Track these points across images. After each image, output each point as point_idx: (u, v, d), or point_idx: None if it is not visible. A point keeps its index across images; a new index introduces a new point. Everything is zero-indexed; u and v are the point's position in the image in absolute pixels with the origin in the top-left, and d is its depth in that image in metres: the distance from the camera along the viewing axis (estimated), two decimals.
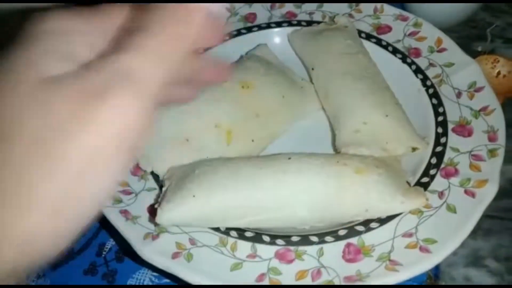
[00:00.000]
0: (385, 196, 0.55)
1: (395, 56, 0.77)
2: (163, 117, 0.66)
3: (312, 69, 0.75)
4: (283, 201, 0.54)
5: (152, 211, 0.57)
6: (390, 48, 0.78)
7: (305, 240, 0.56)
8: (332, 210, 0.55)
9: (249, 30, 0.84)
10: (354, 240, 0.56)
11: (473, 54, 0.77)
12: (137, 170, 0.65)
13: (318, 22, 0.82)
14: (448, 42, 0.75)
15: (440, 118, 0.67)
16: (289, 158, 0.57)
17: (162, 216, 0.53)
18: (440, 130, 0.66)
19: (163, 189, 0.59)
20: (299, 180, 0.55)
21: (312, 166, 0.56)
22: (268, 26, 0.84)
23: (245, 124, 0.68)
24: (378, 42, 0.79)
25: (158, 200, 0.57)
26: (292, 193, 0.54)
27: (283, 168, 0.55)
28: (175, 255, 0.54)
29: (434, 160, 0.63)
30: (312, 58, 0.76)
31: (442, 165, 0.62)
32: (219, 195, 0.54)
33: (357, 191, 0.54)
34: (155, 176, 0.65)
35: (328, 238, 0.56)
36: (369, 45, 0.78)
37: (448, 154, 0.63)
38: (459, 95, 0.69)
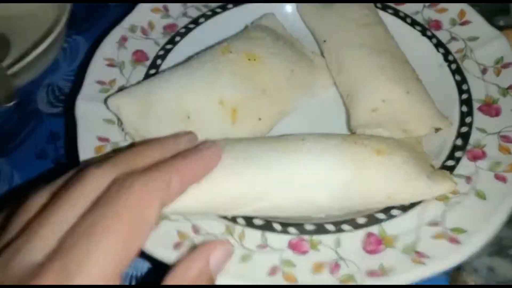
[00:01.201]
0: (410, 180, 0.49)
1: (414, 28, 0.70)
2: (161, 89, 0.60)
3: (324, 41, 0.69)
4: (299, 185, 0.49)
5: None
6: (408, 20, 0.71)
7: (320, 228, 0.51)
8: (352, 196, 0.49)
9: None
10: (374, 229, 0.50)
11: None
12: None
13: None
14: (472, 14, 0.68)
15: (464, 96, 0.62)
16: (303, 139, 0.51)
17: None
18: (464, 109, 0.60)
19: None
20: (316, 162, 0.49)
21: (328, 146, 0.50)
22: None
23: (251, 101, 0.62)
24: (395, 13, 0.72)
25: None
26: (309, 176, 0.49)
27: (297, 149, 0.50)
28: (177, 245, 0.48)
29: (459, 142, 0.57)
30: (324, 29, 0.70)
31: (468, 147, 0.56)
32: (226, 180, 0.48)
33: (379, 174, 0.49)
34: None
35: (345, 227, 0.51)
36: (385, 16, 0.71)
37: (474, 135, 0.57)
38: (484, 71, 0.63)
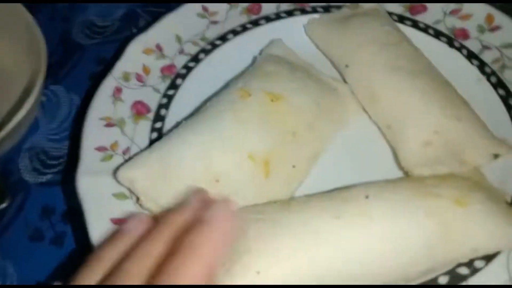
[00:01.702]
0: (496, 230, 0.43)
1: (439, 40, 0.64)
2: (180, 151, 0.51)
3: (346, 66, 0.62)
4: (374, 257, 0.41)
5: None
6: (431, 31, 0.65)
7: None
8: (436, 257, 0.43)
9: (255, 24, 0.69)
10: None
11: None
12: None
13: (338, 7, 0.68)
14: (501, 18, 0.63)
15: None
16: (367, 197, 0.44)
17: None
18: None
19: None
20: (390, 226, 0.42)
21: (400, 204, 0.43)
22: (278, 16, 0.69)
23: (282, 149, 0.54)
24: (415, 25, 0.66)
25: None
26: (384, 246, 0.41)
27: (365, 212, 0.42)
28: None
29: None
30: (344, 53, 0.62)
31: None
32: (290, 265, 0.40)
33: (464, 231, 0.42)
34: None
35: None
36: (403, 29, 0.65)
37: None
38: None
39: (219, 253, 0.32)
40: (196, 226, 0.32)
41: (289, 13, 0.69)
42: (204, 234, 0.32)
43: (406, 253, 0.41)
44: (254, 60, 0.64)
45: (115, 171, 0.51)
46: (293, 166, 0.54)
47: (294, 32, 0.68)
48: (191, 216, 0.34)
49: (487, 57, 0.61)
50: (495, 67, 0.60)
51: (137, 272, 0.31)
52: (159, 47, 0.66)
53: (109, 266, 0.32)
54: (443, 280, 0.44)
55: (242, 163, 0.51)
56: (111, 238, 0.35)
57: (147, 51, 0.65)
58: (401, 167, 0.53)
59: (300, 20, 0.69)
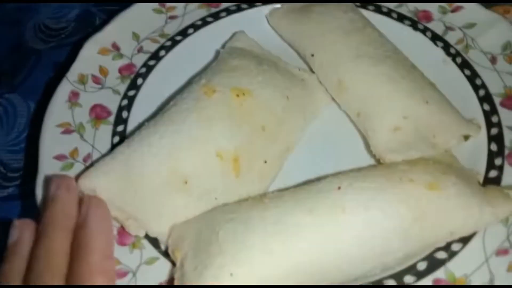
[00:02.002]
0: (471, 212, 0.43)
1: (403, 23, 0.63)
2: (144, 155, 0.48)
3: (312, 55, 0.60)
4: (350, 250, 0.40)
5: None
6: (394, 15, 0.64)
7: None
8: (412, 244, 0.42)
9: (216, 17, 0.67)
10: (441, 274, 0.43)
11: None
12: (125, 236, 0.47)
13: None
14: None
15: (482, 92, 0.56)
16: (339, 188, 0.42)
17: None
18: (486, 107, 0.55)
19: (177, 262, 0.42)
20: (364, 216, 0.41)
21: (372, 192, 0.42)
22: (239, 8, 0.67)
23: (252, 145, 0.52)
24: (378, 9, 0.65)
25: (175, 283, 0.40)
26: (359, 237, 0.40)
27: (338, 204, 0.41)
28: None
29: (494, 147, 0.51)
30: (309, 42, 0.61)
31: (506, 151, 0.51)
32: (265, 266, 0.38)
33: (439, 215, 0.42)
34: (153, 240, 0.47)
35: (408, 279, 0.43)
36: (367, 15, 0.63)
37: (508, 136, 0.52)
38: (493, 60, 0.58)
39: (106, 241, 0.42)
40: (79, 229, 0.42)
41: (250, 4, 0.67)
42: (88, 234, 0.41)
43: (382, 242, 0.41)
44: (217, 54, 0.61)
45: (76, 180, 0.48)
46: (265, 162, 0.53)
47: (257, 23, 0.66)
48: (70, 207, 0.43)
49: (451, 38, 0.61)
50: (459, 47, 0.60)
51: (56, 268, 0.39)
52: (115, 46, 0.63)
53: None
54: (422, 266, 0.44)
55: (210, 162, 0.49)
56: (6, 259, 0.41)
57: (103, 51, 0.62)
58: (373, 155, 0.52)
59: (262, 10, 0.67)
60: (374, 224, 0.41)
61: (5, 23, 0.80)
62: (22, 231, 0.42)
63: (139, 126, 0.55)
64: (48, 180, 0.48)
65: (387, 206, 0.41)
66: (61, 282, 0.38)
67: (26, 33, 0.79)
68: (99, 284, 0.38)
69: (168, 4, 0.66)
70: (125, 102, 0.59)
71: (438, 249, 0.44)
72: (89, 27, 0.77)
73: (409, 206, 0.41)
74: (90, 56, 0.61)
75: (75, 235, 0.42)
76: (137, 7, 0.65)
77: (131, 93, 0.60)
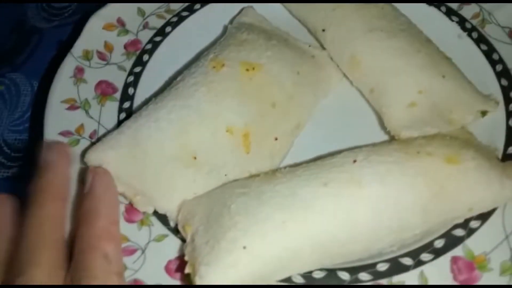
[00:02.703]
0: (490, 186, 0.41)
1: None
2: (152, 130, 0.47)
3: (323, 30, 0.58)
4: (366, 224, 0.39)
5: (182, 276, 0.40)
6: None
7: (396, 265, 0.41)
8: (430, 219, 0.41)
9: None
10: (459, 251, 0.42)
11: None
12: (133, 213, 0.46)
13: None
14: None
15: (499, 67, 0.54)
16: (354, 161, 0.41)
17: None
18: (504, 82, 0.53)
19: (187, 238, 0.41)
20: (380, 190, 0.39)
21: (389, 166, 0.40)
22: None
23: (262, 121, 0.50)
24: None
25: (186, 258, 0.39)
26: (375, 211, 0.39)
27: (354, 177, 0.39)
28: None
29: None
30: (319, 17, 0.59)
31: None
32: (279, 238, 0.37)
33: (457, 189, 0.40)
34: (162, 217, 0.46)
35: (424, 256, 0.42)
36: None
37: None
38: (511, 34, 0.56)
39: (112, 207, 0.42)
40: (86, 197, 0.42)
41: None
42: (94, 200, 0.41)
43: (399, 217, 0.39)
44: (225, 30, 0.60)
45: (83, 155, 0.47)
46: (276, 139, 0.51)
47: None
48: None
49: (466, 12, 0.59)
50: (475, 22, 0.58)
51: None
52: (121, 22, 0.61)
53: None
54: (439, 243, 0.42)
55: (220, 138, 0.48)
56: None
57: (108, 27, 0.60)
58: (387, 132, 0.51)
59: None
60: (391, 198, 0.39)
61: (7, 2, 0.78)
62: None
63: (146, 103, 0.54)
64: (43, 147, 0.45)
65: (404, 180, 0.40)
66: (57, 252, 0.36)
67: (29, 12, 0.77)
68: (106, 248, 0.37)
69: None
70: (131, 78, 0.57)
71: (456, 226, 0.43)
72: (93, 5, 0.76)
73: (427, 180, 0.40)
74: (95, 32, 0.59)
75: (82, 203, 0.41)
76: None
77: (137, 69, 0.58)
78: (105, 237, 0.38)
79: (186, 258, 0.39)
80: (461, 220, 0.43)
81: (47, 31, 0.75)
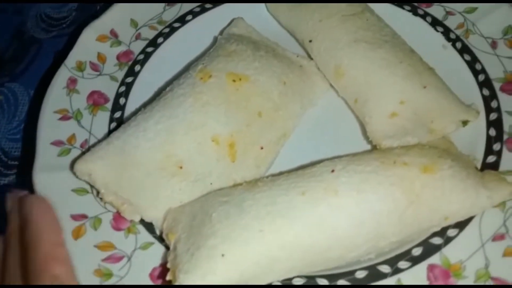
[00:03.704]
0: (467, 195, 0.42)
1: (402, 8, 0.63)
2: (139, 140, 0.48)
3: (310, 41, 0.60)
4: (342, 232, 0.40)
5: (164, 283, 0.41)
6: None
7: (374, 273, 0.43)
8: (406, 228, 0.42)
9: (215, 3, 0.66)
10: (435, 259, 0.43)
11: None
12: (120, 221, 0.48)
13: None
14: None
15: (481, 77, 0.55)
16: (333, 171, 0.42)
17: None
18: (486, 92, 0.54)
19: (171, 245, 0.42)
20: (356, 199, 0.40)
21: (366, 175, 0.41)
22: None
23: (248, 130, 0.52)
24: None
25: (169, 266, 0.40)
26: (351, 220, 0.40)
27: (331, 187, 0.41)
28: None
29: (492, 132, 0.51)
30: (306, 28, 0.60)
31: (505, 136, 0.50)
32: (257, 246, 0.38)
33: (433, 198, 0.41)
34: (148, 225, 0.47)
35: (402, 264, 0.43)
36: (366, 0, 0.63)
37: (507, 121, 0.51)
38: (494, 44, 0.57)
39: (53, 231, 0.40)
40: (24, 229, 0.40)
41: None
42: (33, 229, 0.40)
43: (375, 225, 0.40)
44: (215, 41, 0.61)
45: (72, 165, 0.48)
46: (262, 148, 0.53)
47: (255, 10, 0.66)
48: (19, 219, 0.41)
49: (451, 22, 0.60)
50: (459, 32, 0.59)
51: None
52: (114, 33, 0.63)
53: None
54: (417, 251, 0.43)
55: (206, 147, 0.49)
56: None
57: (101, 38, 0.62)
58: (370, 141, 0.52)
59: None
60: (366, 207, 0.40)
61: (7, 12, 0.80)
62: None
63: (136, 112, 0.55)
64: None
65: (380, 189, 0.41)
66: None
67: (28, 22, 0.79)
68: (55, 270, 0.37)
69: None
70: (122, 88, 0.59)
71: (434, 234, 0.44)
72: (91, 16, 0.78)
73: (403, 189, 0.41)
74: (88, 43, 0.61)
75: (21, 236, 0.41)
76: None
77: (129, 79, 0.60)
78: (50, 260, 0.38)
79: (168, 265, 0.40)
80: (438, 229, 0.44)
81: (45, 42, 0.77)
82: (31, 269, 0.38)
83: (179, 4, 0.66)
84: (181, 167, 0.48)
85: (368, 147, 0.53)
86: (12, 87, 0.72)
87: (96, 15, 0.72)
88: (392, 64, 0.53)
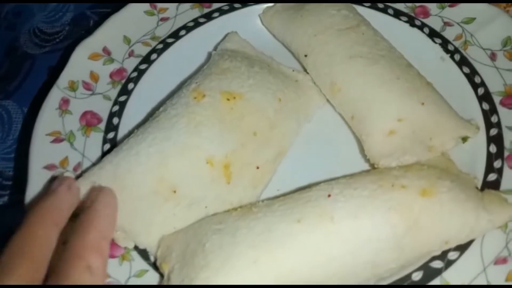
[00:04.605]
0: (467, 218, 0.41)
1: (400, 20, 0.61)
2: (131, 164, 0.47)
3: (305, 56, 0.59)
4: (338, 261, 0.39)
5: None
6: (390, 11, 0.62)
7: None
8: (405, 254, 0.41)
9: (208, 17, 0.65)
10: (436, 284, 0.42)
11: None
12: (114, 248, 0.47)
13: None
14: None
15: (481, 91, 0.54)
16: (329, 195, 0.41)
17: None
18: (486, 106, 0.53)
19: (164, 275, 0.41)
20: (352, 226, 0.39)
21: (362, 200, 0.40)
22: (232, 8, 0.66)
23: (244, 150, 0.51)
24: (374, 6, 0.63)
25: None
26: (347, 247, 0.39)
27: (327, 213, 0.40)
28: None
29: (493, 148, 0.50)
30: (302, 42, 0.59)
31: (506, 153, 0.49)
32: (251, 275, 0.37)
33: (432, 223, 0.40)
34: (142, 252, 0.47)
35: None
36: (362, 12, 0.62)
37: (508, 137, 0.50)
38: (493, 56, 0.55)
39: (108, 224, 0.42)
40: (83, 211, 0.41)
41: (243, 3, 0.65)
42: (91, 214, 0.41)
43: (373, 252, 0.39)
44: (209, 56, 0.60)
45: None
46: (257, 167, 0.52)
47: (250, 23, 0.65)
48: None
49: (449, 34, 0.59)
50: (457, 44, 0.58)
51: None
52: (106, 51, 0.62)
53: None
54: (417, 276, 0.42)
55: (200, 170, 0.48)
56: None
57: (93, 56, 0.61)
58: (367, 159, 0.51)
59: (256, 10, 0.65)
60: (364, 234, 0.40)
61: (0, 28, 0.79)
62: None
63: (130, 133, 0.54)
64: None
65: (377, 215, 0.40)
66: (36, 267, 0.35)
67: (21, 37, 0.79)
68: (91, 260, 0.37)
69: (160, 5, 0.65)
70: (116, 108, 0.58)
71: (434, 258, 0.43)
72: (84, 31, 0.77)
73: (401, 214, 0.40)
74: (80, 62, 0.60)
75: (79, 217, 0.41)
76: (128, 10, 0.64)
77: (122, 98, 0.59)
78: (92, 249, 0.37)
79: None
80: (438, 253, 0.43)
81: (38, 57, 0.76)
82: (70, 251, 0.37)
83: (172, 19, 0.65)
84: (175, 191, 0.47)
85: (366, 165, 0.52)
86: (6, 105, 0.71)
87: (89, 30, 0.72)
88: (388, 80, 0.51)
